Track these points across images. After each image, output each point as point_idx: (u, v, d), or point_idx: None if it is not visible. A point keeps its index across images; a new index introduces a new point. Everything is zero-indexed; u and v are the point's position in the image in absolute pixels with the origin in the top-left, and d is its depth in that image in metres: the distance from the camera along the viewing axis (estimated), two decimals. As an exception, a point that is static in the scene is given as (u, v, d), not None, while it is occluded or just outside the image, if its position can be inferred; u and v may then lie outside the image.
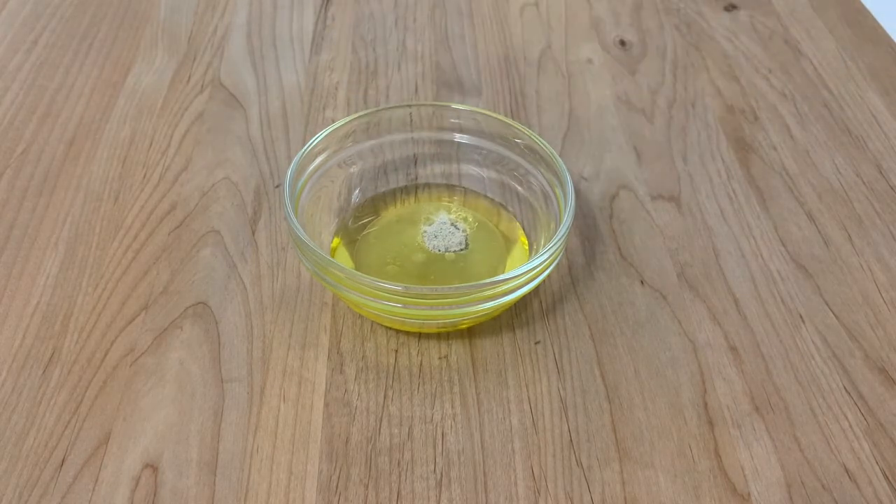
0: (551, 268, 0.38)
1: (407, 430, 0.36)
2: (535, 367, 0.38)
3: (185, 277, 0.42)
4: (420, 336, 0.39)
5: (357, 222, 0.43)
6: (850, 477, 0.35)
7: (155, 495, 0.33)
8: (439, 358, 0.39)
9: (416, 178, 0.46)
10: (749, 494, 0.34)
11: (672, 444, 0.36)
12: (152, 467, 0.34)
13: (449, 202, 0.45)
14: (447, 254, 0.42)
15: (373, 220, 0.44)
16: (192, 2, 0.62)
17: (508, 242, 0.43)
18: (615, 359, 0.39)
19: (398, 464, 0.35)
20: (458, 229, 0.43)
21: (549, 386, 0.38)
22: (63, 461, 0.34)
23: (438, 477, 0.34)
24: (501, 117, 0.43)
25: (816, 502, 0.34)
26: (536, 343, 0.39)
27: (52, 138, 0.50)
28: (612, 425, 0.36)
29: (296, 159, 0.40)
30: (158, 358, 0.38)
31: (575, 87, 0.55)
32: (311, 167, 0.41)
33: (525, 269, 0.36)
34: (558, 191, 0.40)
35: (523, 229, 0.43)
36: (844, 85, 0.56)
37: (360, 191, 0.45)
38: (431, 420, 0.36)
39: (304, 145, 0.41)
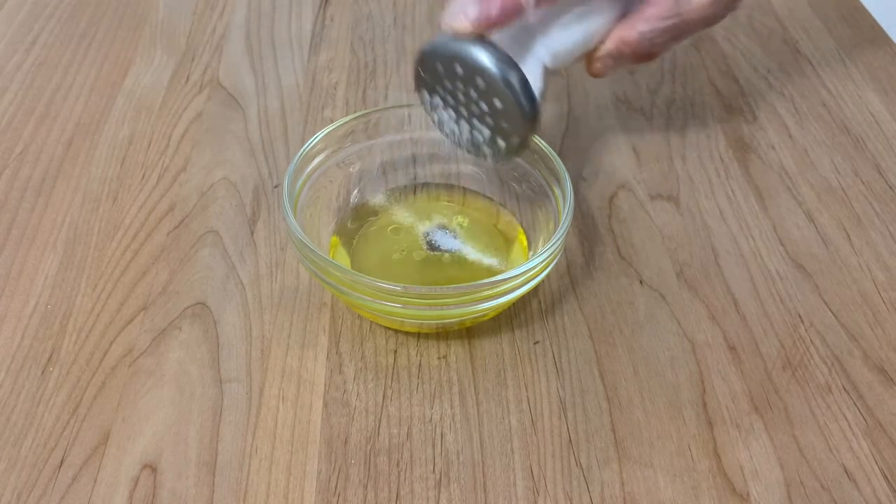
0: (550, 268, 0.38)
1: (406, 430, 0.36)
2: (534, 367, 0.38)
3: (184, 278, 0.42)
4: (419, 336, 0.39)
5: (356, 222, 0.43)
6: (849, 477, 0.35)
7: (154, 496, 0.33)
8: (438, 358, 0.39)
9: (415, 178, 0.46)
10: (748, 494, 0.34)
11: (671, 444, 0.36)
12: (151, 468, 0.34)
13: (448, 202, 0.45)
14: (446, 253, 0.42)
15: (372, 220, 0.44)
16: (191, 2, 0.62)
17: (507, 242, 0.43)
18: (614, 359, 0.39)
19: (397, 464, 0.35)
20: (457, 229, 0.43)
21: (548, 386, 0.38)
22: (62, 462, 0.34)
23: (437, 477, 0.34)
24: (500, 117, 0.43)
25: (815, 502, 0.34)
26: (535, 343, 0.39)
27: (51, 138, 0.50)
28: (612, 425, 0.36)
29: (294, 159, 0.40)
30: (157, 358, 0.38)
31: (574, 86, 0.55)
32: (310, 167, 0.41)
33: (524, 268, 0.36)
34: (557, 190, 0.40)
35: (522, 229, 0.43)
36: (843, 84, 0.56)
37: (358, 191, 0.45)
38: (430, 420, 0.36)
39: (302, 145, 0.41)
